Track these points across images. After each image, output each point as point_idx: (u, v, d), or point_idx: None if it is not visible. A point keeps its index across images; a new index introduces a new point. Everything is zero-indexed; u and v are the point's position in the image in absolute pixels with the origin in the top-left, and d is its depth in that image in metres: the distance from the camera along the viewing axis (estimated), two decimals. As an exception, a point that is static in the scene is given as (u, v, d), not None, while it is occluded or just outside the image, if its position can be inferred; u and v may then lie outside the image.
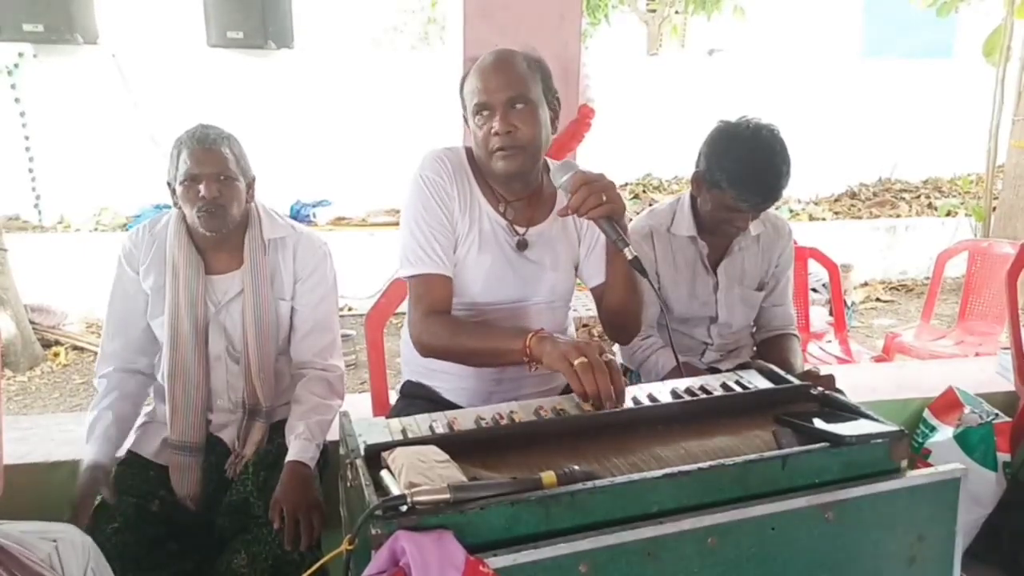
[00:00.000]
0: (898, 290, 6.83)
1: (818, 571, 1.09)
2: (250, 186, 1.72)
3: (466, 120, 1.58)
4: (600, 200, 1.38)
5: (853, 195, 8.15)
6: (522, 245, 1.62)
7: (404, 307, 1.67)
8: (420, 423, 1.23)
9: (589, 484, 0.99)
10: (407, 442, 1.12)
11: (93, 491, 1.55)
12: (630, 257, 1.40)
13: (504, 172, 1.52)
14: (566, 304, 1.75)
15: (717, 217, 1.87)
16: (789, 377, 1.38)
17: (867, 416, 1.20)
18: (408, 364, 1.77)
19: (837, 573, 1.10)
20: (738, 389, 1.35)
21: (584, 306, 5.14)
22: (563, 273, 1.68)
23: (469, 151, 1.63)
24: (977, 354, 3.31)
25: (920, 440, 2.26)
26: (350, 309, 5.68)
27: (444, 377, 1.69)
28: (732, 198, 1.78)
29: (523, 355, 1.37)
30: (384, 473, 1.04)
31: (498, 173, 1.53)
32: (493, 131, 1.48)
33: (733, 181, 1.76)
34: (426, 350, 1.56)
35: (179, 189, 1.63)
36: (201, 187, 1.60)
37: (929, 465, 1.95)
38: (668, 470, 1.03)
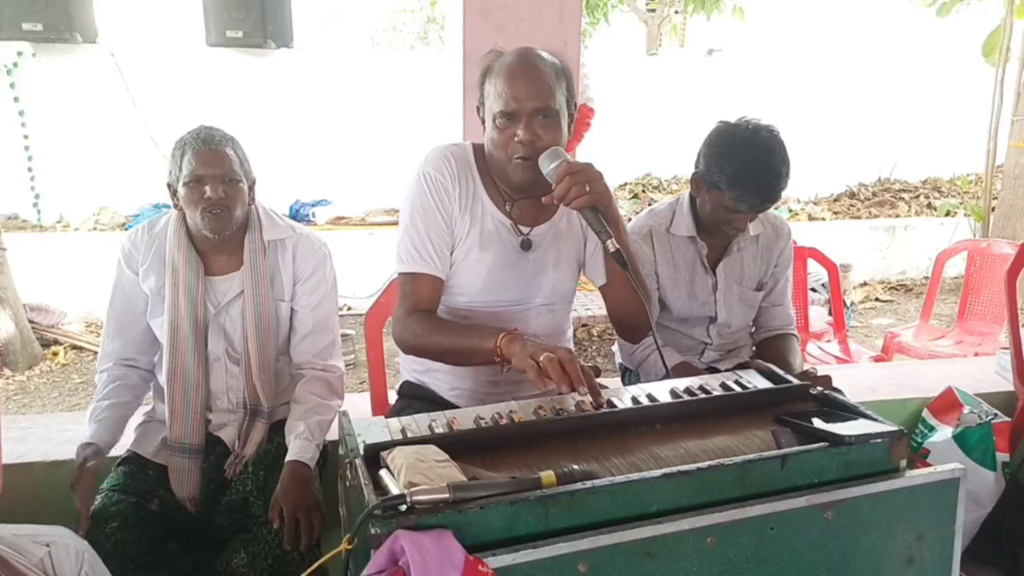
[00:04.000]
0: (897, 290, 6.83)
1: (817, 571, 1.09)
2: (251, 188, 1.72)
3: (479, 112, 1.56)
4: (583, 190, 1.36)
5: (852, 195, 8.16)
6: (526, 245, 1.61)
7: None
8: (419, 423, 1.23)
9: (588, 484, 0.99)
10: (406, 442, 1.12)
11: (83, 469, 1.54)
12: (612, 249, 1.39)
13: (521, 181, 1.50)
14: (567, 305, 1.74)
15: (716, 218, 1.87)
16: (788, 377, 1.38)
17: (866, 416, 1.21)
18: (406, 364, 1.77)
19: (836, 573, 1.10)
20: (737, 389, 1.35)
21: (583, 306, 5.15)
22: (565, 273, 1.67)
23: (476, 147, 1.61)
24: (976, 354, 3.32)
25: (919, 440, 2.27)
26: (349, 309, 5.68)
27: (442, 377, 1.68)
28: (731, 199, 1.78)
29: (495, 355, 1.37)
30: (383, 473, 1.04)
31: (515, 181, 1.52)
32: (516, 139, 1.45)
33: (732, 182, 1.76)
34: (405, 347, 1.57)
35: (183, 190, 1.62)
36: (207, 188, 1.59)
37: (928, 465, 1.94)
38: (667, 470, 1.03)
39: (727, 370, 1.54)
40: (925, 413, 2.31)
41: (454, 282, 1.61)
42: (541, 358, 1.24)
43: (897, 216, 7.47)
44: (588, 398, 1.26)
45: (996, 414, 2.21)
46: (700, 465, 1.05)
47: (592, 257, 1.68)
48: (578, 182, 1.37)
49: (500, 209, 1.60)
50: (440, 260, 1.57)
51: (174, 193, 1.66)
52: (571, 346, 1.80)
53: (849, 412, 1.24)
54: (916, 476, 1.13)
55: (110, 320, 1.74)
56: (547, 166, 1.43)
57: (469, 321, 1.62)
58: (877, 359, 3.58)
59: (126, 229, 5.89)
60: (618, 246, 1.39)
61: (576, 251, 1.68)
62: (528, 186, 1.53)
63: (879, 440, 1.13)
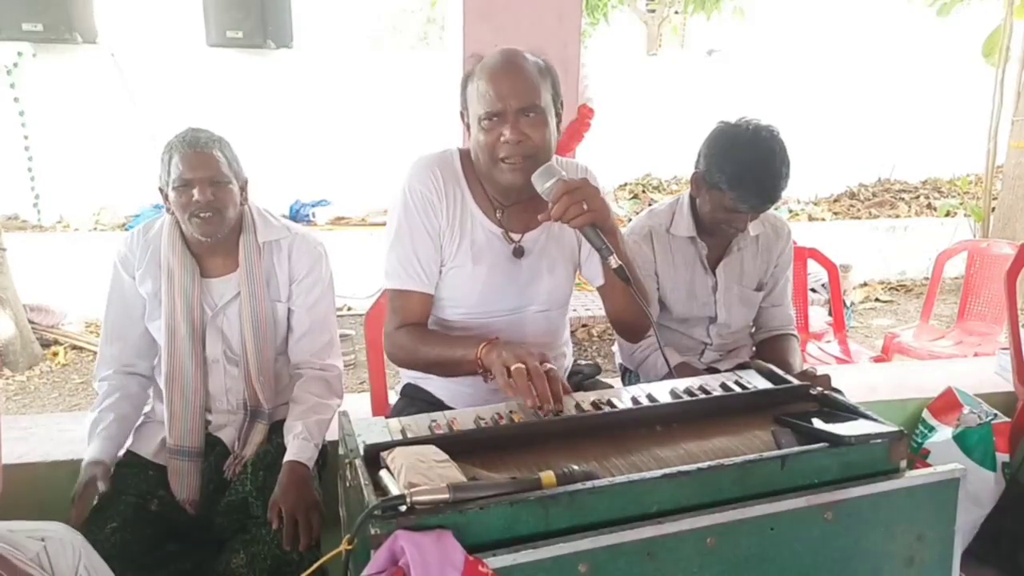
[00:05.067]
0: (897, 290, 6.83)
1: (817, 571, 1.09)
2: (243, 188, 1.71)
3: (462, 117, 1.54)
4: (582, 209, 1.35)
5: (852, 195, 8.16)
6: (519, 252, 1.59)
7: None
8: (419, 423, 1.23)
9: (588, 484, 0.99)
10: (406, 442, 1.12)
11: (92, 487, 1.54)
12: (614, 266, 1.38)
13: (511, 184, 1.48)
14: (563, 309, 1.73)
15: (716, 218, 1.86)
16: (788, 377, 1.38)
17: (866, 416, 1.21)
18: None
19: (836, 573, 1.10)
20: (737, 389, 1.35)
21: (583, 306, 5.16)
22: (561, 278, 1.65)
23: (463, 153, 1.59)
24: (976, 354, 3.31)
25: (919, 440, 2.27)
26: (349, 309, 5.67)
27: (442, 382, 1.67)
28: (731, 199, 1.78)
29: (477, 366, 1.38)
30: (383, 473, 1.04)
31: (504, 184, 1.49)
32: (503, 139, 1.42)
33: (732, 183, 1.76)
34: (396, 361, 1.59)
35: (172, 195, 1.61)
36: (195, 192, 1.58)
37: (928, 465, 1.95)
38: (667, 470, 1.03)
39: (727, 370, 1.54)
40: (925, 413, 2.31)
41: (448, 295, 1.60)
42: (513, 367, 1.24)
43: (897, 216, 7.47)
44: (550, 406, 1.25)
45: (996, 414, 2.20)
46: (700, 465, 1.05)
47: (588, 259, 1.66)
48: (576, 200, 1.35)
49: (490, 218, 1.57)
50: (428, 276, 1.56)
51: (166, 197, 1.65)
52: (568, 348, 1.80)
53: (849, 412, 1.23)
54: (916, 476, 1.13)
55: (107, 324, 1.74)
56: (542, 184, 1.40)
57: (464, 332, 1.60)
58: (877, 359, 3.58)
59: (126, 229, 5.89)
60: (620, 262, 1.38)
61: (571, 253, 1.66)
62: (518, 190, 1.50)
63: (879, 440, 1.13)
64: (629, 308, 1.57)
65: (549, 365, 1.26)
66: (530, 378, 1.22)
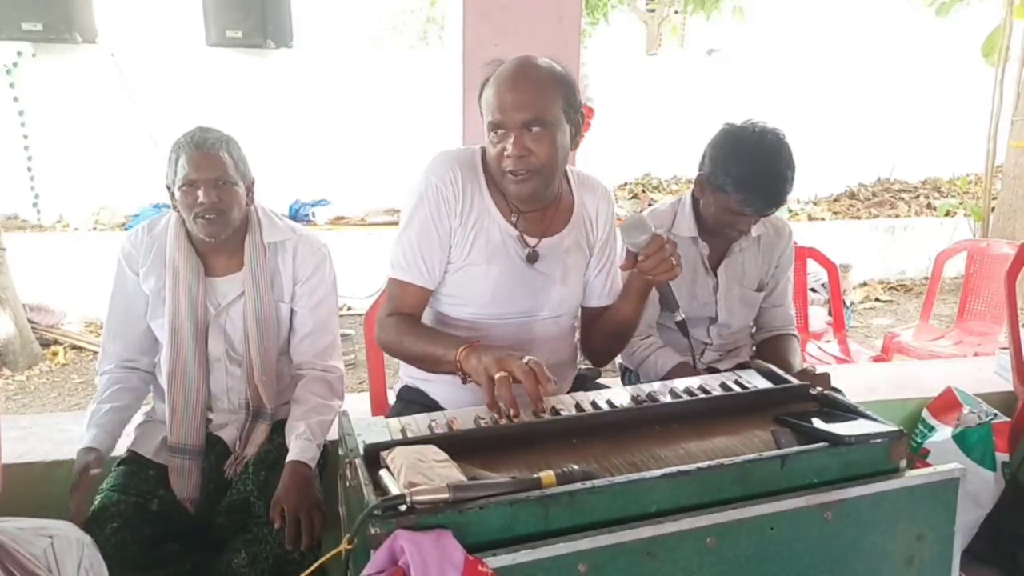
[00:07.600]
0: (897, 290, 6.83)
1: (817, 571, 1.09)
2: (249, 189, 1.71)
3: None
4: (671, 266, 1.44)
5: (852, 195, 8.16)
6: (532, 257, 1.58)
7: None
8: (419, 423, 1.23)
9: (588, 484, 1.00)
10: (406, 441, 1.12)
11: (86, 474, 1.54)
12: (679, 319, 1.54)
13: (516, 195, 1.50)
14: (572, 317, 1.73)
15: (720, 220, 1.86)
16: (788, 377, 1.38)
17: (866, 416, 1.21)
18: (405, 368, 1.75)
19: (836, 573, 1.11)
20: (737, 389, 1.35)
21: (583, 306, 5.15)
22: (572, 287, 1.65)
23: (484, 152, 1.58)
24: (976, 354, 3.31)
25: (919, 440, 2.27)
26: (349, 309, 5.67)
27: (441, 384, 1.66)
28: (736, 202, 1.77)
29: (455, 367, 1.38)
30: (383, 473, 1.04)
31: (511, 194, 1.52)
32: (506, 153, 1.43)
33: (738, 185, 1.75)
34: (382, 347, 1.61)
35: (178, 194, 1.62)
36: (200, 193, 1.59)
37: (928, 465, 1.95)
38: (667, 470, 1.04)
39: (727, 370, 1.54)
40: (925, 413, 2.31)
41: (459, 293, 1.59)
42: (497, 376, 1.24)
43: (897, 216, 7.47)
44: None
45: (996, 414, 2.21)
46: (700, 465, 1.05)
47: (595, 278, 1.69)
48: (666, 257, 1.43)
49: (507, 220, 1.57)
50: (428, 272, 1.56)
51: (172, 195, 1.65)
52: (576, 353, 1.79)
53: (849, 412, 1.24)
54: (916, 476, 1.14)
55: (110, 321, 1.74)
56: (635, 237, 1.46)
57: (471, 332, 1.60)
58: (877, 359, 3.58)
59: (126, 229, 5.89)
60: (683, 316, 1.54)
61: (581, 266, 1.67)
62: (527, 201, 1.54)
63: (879, 440, 1.13)
64: (629, 323, 1.66)
65: (529, 357, 1.26)
66: (515, 380, 1.23)
